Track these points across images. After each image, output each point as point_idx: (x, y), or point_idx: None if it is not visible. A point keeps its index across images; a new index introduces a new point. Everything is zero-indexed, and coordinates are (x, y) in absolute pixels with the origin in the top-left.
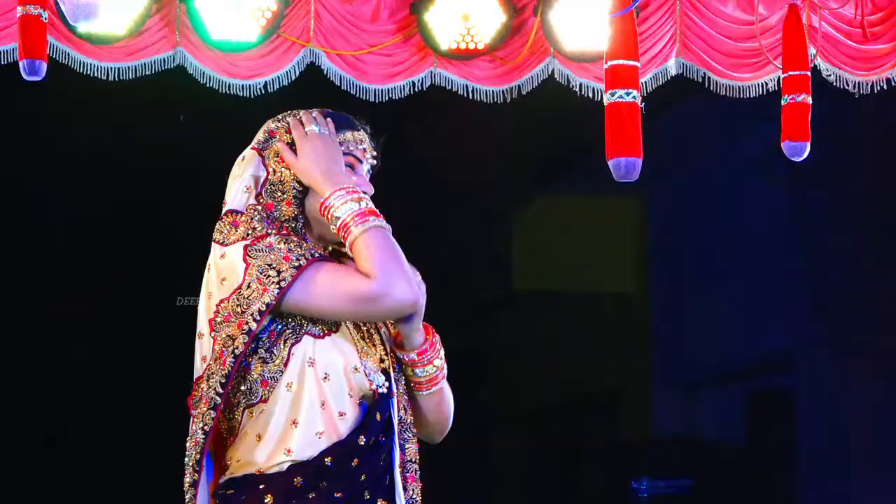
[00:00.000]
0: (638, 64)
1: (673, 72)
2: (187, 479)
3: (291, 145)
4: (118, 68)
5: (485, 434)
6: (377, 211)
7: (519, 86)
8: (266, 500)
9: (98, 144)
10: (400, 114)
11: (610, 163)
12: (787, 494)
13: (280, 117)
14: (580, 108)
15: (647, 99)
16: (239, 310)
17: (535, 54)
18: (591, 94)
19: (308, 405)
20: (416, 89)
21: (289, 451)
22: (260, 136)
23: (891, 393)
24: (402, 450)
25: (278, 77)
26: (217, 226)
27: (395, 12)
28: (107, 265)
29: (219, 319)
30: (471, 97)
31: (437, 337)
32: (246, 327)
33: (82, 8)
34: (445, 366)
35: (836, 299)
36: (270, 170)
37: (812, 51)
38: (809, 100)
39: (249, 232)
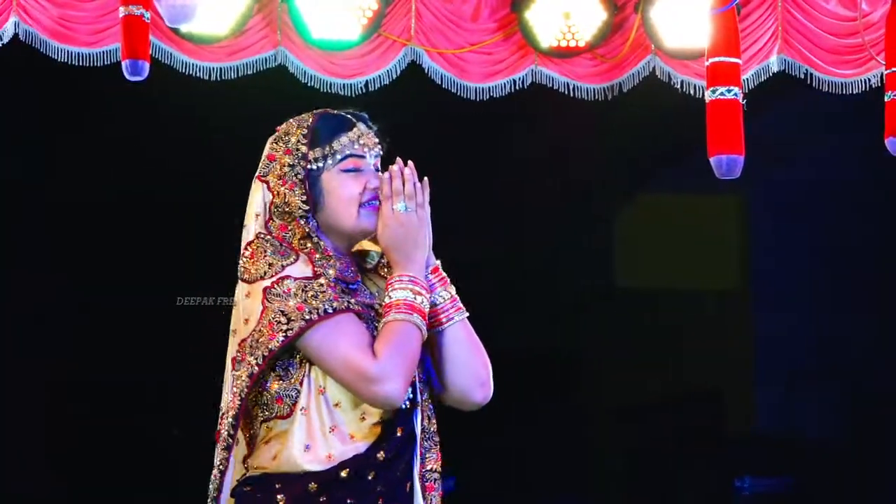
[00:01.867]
0: (739, 61)
1: (775, 68)
2: None
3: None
4: (220, 68)
5: (583, 430)
6: (425, 312)
7: (620, 83)
8: (278, 499)
9: (199, 144)
10: (501, 112)
11: (711, 160)
12: (891, 494)
13: (275, 138)
14: (681, 106)
15: (748, 96)
16: (250, 352)
17: (636, 52)
18: (692, 92)
19: (319, 433)
20: (517, 87)
21: (304, 471)
22: (261, 163)
23: None
24: (423, 459)
25: (379, 76)
26: (240, 262)
27: (496, 10)
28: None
29: (239, 358)
30: (572, 95)
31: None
32: (249, 370)
33: (180, 9)
34: (462, 307)
35: None
36: (274, 192)
37: None
38: None
39: (267, 269)
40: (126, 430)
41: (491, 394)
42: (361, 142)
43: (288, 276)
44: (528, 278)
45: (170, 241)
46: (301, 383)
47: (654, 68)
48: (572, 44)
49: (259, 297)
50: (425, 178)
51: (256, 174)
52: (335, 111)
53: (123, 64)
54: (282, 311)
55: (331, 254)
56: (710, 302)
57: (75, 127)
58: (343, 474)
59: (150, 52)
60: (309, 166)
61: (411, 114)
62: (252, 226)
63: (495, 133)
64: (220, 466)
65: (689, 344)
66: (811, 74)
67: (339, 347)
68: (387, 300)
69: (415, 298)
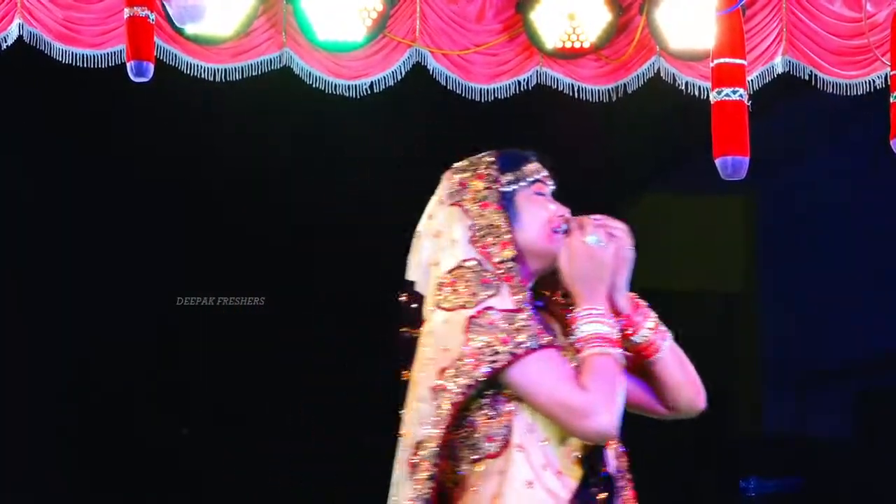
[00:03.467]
0: (745, 62)
1: (779, 69)
2: None
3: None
4: (224, 69)
5: None
6: (619, 341)
7: (625, 84)
8: None
9: (203, 145)
10: (506, 113)
11: (717, 161)
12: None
13: (460, 168)
14: (686, 107)
15: (753, 97)
16: (453, 381)
17: (640, 53)
18: (697, 93)
19: (539, 469)
20: (522, 89)
21: None
22: (448, 188)
23: None
24: (620, 497)
25: (384, 77)
26: (435, 291)
27: (501, 12)
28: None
29: (440, 387)
30: (577, 96)
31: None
32: (451, 398)
33: (189, 10)
34: (664, 328)
35: None
36: (475, 215)
37: None
38: None
39: (469, 299)
40: (127, 430)
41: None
42: (544, 173)
43: (491, 308)
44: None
45: (170, 241)
46: (511, 420)
47: (658, 69)
48: (577, 45)
49: (461, 326)
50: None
51: (441, 201)
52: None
53: (128, 65)
54: (487, 343)
55: (524, 283)
56: (717, 303)
57: (79, 128)
58: None
59: (155, 53)
60: (503, 188)
61: (416, 115)
62: (451, 251)
63: (500, 134)
64: (424, 496)
65: (696, 345)
66: (816, 76)
67: (548, 381)
68: (579, 334)
69: (609, 332)
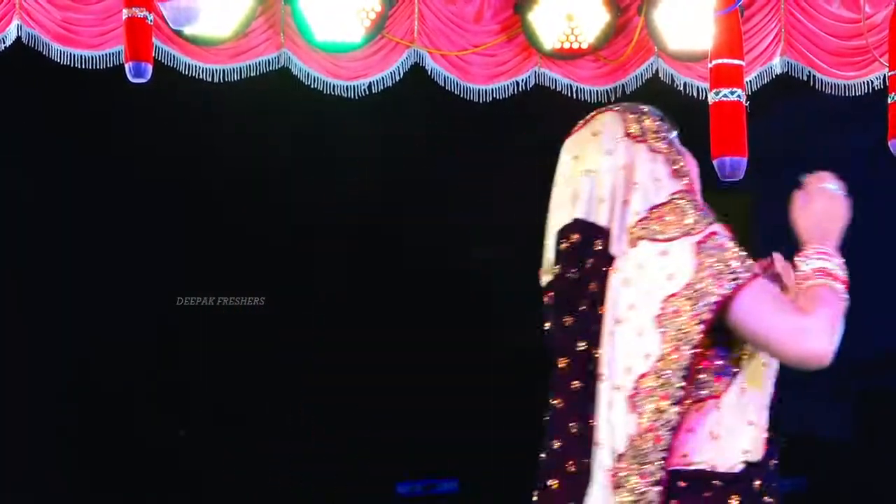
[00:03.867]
0: (743, 63)
1: (778, 70)
2: (643, 480)
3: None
4: (223, 70)
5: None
6: (846, 280)
7: (623, 85)
8: (731, 502)
9: (201, 145)
10: (504, 114)
11: (715, 162)
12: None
13: (627, 108)
14: (684, 107)
15: (751, 98)
16: (690, 304)
17: (639, 54)
18: (695, 94)
19: (760, 406)
20: (520, 89)
21: (745, 451)
22: (624, 127)
23: None
24: None
25: (382, 78)
26: (636, 226)
27: (499, 12)
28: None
29: (667, 315)
30: (575, 97)
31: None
32: (699, 318)
33: (184, 11)
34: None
35: None
36: (666, 152)
37: None
38: None
39: (693, 225)
40: (127, 430)
41: None
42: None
43: (716, 233)
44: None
45: (170, 241)
46: (739, 361)
47: (657, 70)
48: (575, 46)
49: (688, 250)
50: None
51: (624, 139)
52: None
53: (126, 66)
54: (724, 262)
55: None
56: None
57: (78, 129)
58: (772, 463)
59: (153, 54)
60: (669, 135)
61: (414, 115)
62: (653, 187)
63: (498, 134)
64: (670, 423)
65: None
66: (814, 76)
67: (774, 303)
68: (804, 269)
69: (836, 269)
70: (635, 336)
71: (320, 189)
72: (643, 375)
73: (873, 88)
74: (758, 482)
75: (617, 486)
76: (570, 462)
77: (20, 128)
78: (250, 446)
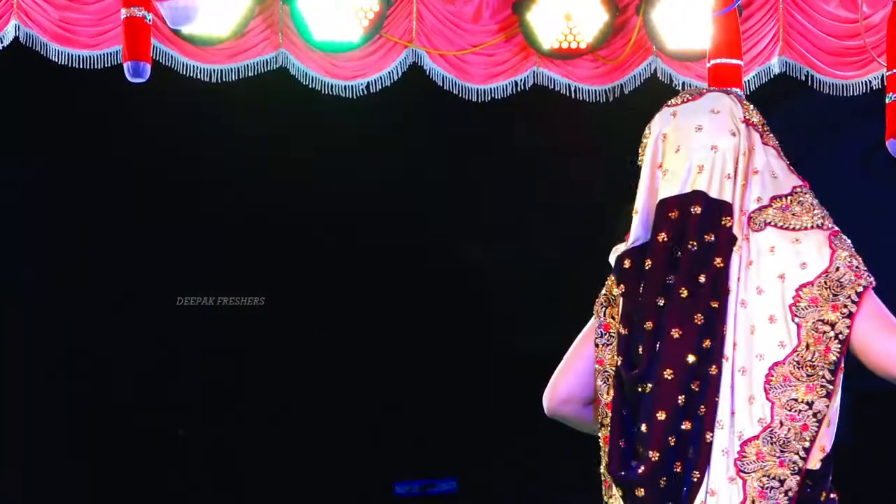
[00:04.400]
0: (741, 62)
1: (776, 70)
2: (783, 468)
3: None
4: (221, 70)
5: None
6: None
7: (622, 85)
8: (833, 497)
9: (199, 145)
10: (502, 113)
11: None
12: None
13: (737, 94)
14: None
15: (750, 97)
16: (829, 293)
17: (637, 53)
18: None
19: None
20: (519, 89)
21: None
22: (743, 112)
23: None
24: None
25: (381, 77)
26: (767, 212)
27: (497, 12)
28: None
29: (802, 304)
30: (574, 97)
31: None
32: (847, 310)
33: (181, 11)
34: None
35: None
36: (775, 145)
37: None
38: None
39: (822, 220)
40: (127, 429)
41: None
42: None
43: (840, 232)
44: (537, 279)
45: (170, 241)
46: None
47: (655, 70)
48: (574, 45)
49: (822, 240)
50: None
51: (745, 123)
52: None
53: (125, 66)
54: (856, 258)
55: None
56: None
57: (76, 129)
58: None
59: (152, 54)
60: (768, 130)
61: (413, 115)
62: (771, 176)
63: (497, 134)
64: (818, 415)
65: None
66: (812, 76)
67: (890, 316)
68: None
69: None
70: (766, 322)
71: (319, 189)
72: (778, 363)
73: (871, 88)
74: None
75: (744, 470)
76: (672, 437)
77: (17, 128)
78: (250, 446)
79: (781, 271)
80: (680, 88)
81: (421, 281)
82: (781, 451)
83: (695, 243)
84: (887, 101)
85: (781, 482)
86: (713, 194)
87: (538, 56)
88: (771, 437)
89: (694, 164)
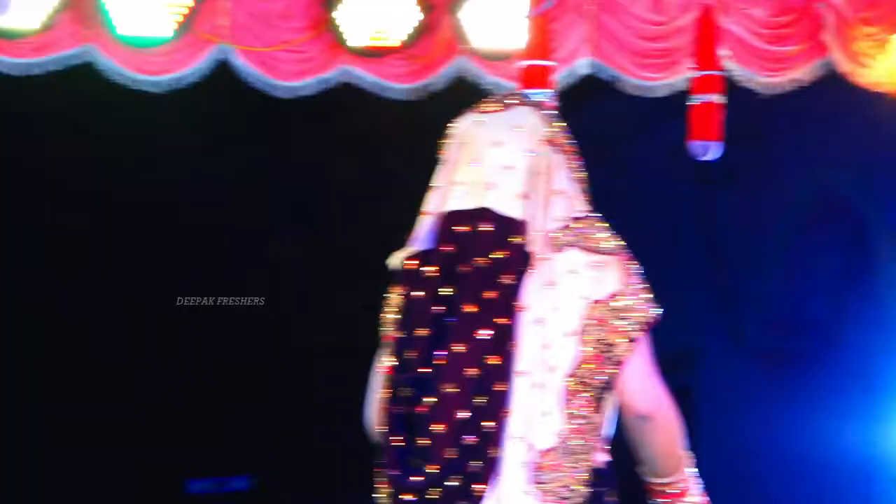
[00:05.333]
0: (552, 64)
1: (583, 71)
2: (575, 477)
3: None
4: (27, 64)
5: None
6: None
7: (430, 84)
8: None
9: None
10: (312, 111)
11: None
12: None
13: (539, 104)
14: None
15: (559, 98)
16: (615, 317)
17: (446, 52)
18: None
19: None
20: (327, 86)
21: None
22: (542, 126)
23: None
24: None
25: (189, 73)
26: (568, 233)
27: (307, 9)
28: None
29: (591, 323)
30: (382, 95)
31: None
32: (629, 335)
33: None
34: None
35: (738, 299)
36: (573, 166)
37: (722, 52)
38: (720, 99)
39: (616, 246)
40: (126, 429)
41: None
42: None
43: (634, 259)
44: (338, 275)
45: (170, 241)
46: None
47: (464, 69)
48: (383, 43)
49: (619, 268)
50: None
51: (544, 140)
52: None
53: None
54: (645, 290)
55: None
56: None
57: None
58: None
59: None
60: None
61: (222, 112)
62: (571, 197)
63: (305, 131)
64: (597, 429)
65: None
66: (619, 77)
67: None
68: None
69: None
70: (561, 339)
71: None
72: (569, 376)
73: (677, 90)
74: None
75: (541, 480)
76: (451, 450)
77: None
78: (250, 446)
79: (579, 291)
80: (488, 88)
81: (213, 276)
82: (574, 463)
83: (482, 260)
84: (693, 102)
85: (574, 491)
86: (504, 212)
87: (347, 54)
88: (564, 450)
89: (488, 180)
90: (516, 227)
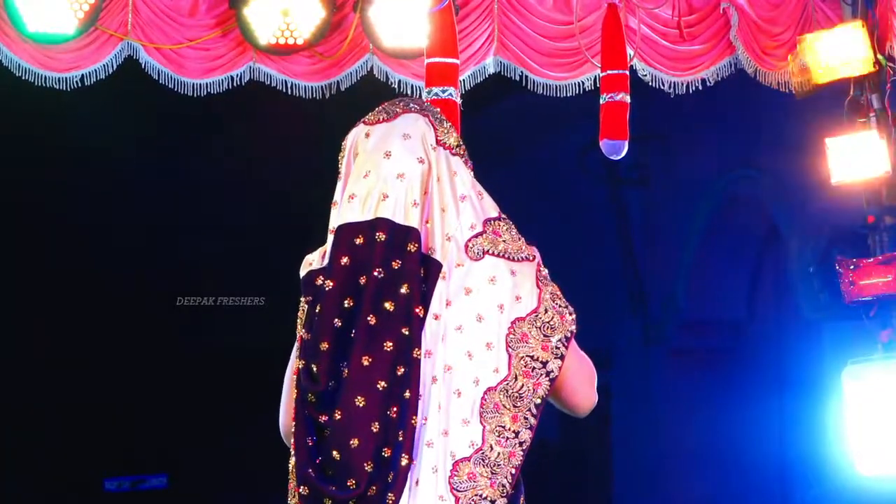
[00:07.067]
0: (458, 61)
1: (491, 70)
2: (493, 489)
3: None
4: None
5: None
6: None
7: (338, 82)
8: None
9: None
10: (220, 109)
11: None
12: (602, 486)
13: (427, 109)
14: None
15: (465, 96)
16: (540, 334)
17: (354, 50)
18: (409, 91)
19: None
20: (235, 84)
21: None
22: (435, 131)
23: (700, 391)
24: None
25: (96, 70)
26: (482, 239)
27: (214, 6)
28: None
29: (514, 338)
30: (290, 93)
31: None
32: (559, 352)
33: None
34: None
35: (652, 299)
36: (471, 168)
37: (630, 51)
38: (628, 98)
39: (528, 252)
40: (127, 429)
41: None
42: None
43: (539, 259)
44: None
45: (170, 240)
46: None
47: (371, 67)
48: (291, 41)
49: (531, 278)
50: None
51: (438, 146)
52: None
53: None
54: (558, 296)
55: None
56: None
57: None
58: None
59: None
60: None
61: (129, 109)
62: (478, 203)
63: (214, 128)
64: (525, 445)
65: None
66: (526, 76)
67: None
68: None
69: None
70: (483, 349)
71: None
72: (491, 389)
73: (584, 90)
74: None
75: (457, 489)
76: (368, 462)
77: None
78: (250, 446)
79: (500, 301)
80: (396, 86)
81: (135, 276)
82: (493, 474)
83: (381, 270)
84: (601, 101)
85: (492, 502)
86: (400, 221)
87: (255, 51)
88: (483, 460)
89: (380, 191)
90: (411, 234)
